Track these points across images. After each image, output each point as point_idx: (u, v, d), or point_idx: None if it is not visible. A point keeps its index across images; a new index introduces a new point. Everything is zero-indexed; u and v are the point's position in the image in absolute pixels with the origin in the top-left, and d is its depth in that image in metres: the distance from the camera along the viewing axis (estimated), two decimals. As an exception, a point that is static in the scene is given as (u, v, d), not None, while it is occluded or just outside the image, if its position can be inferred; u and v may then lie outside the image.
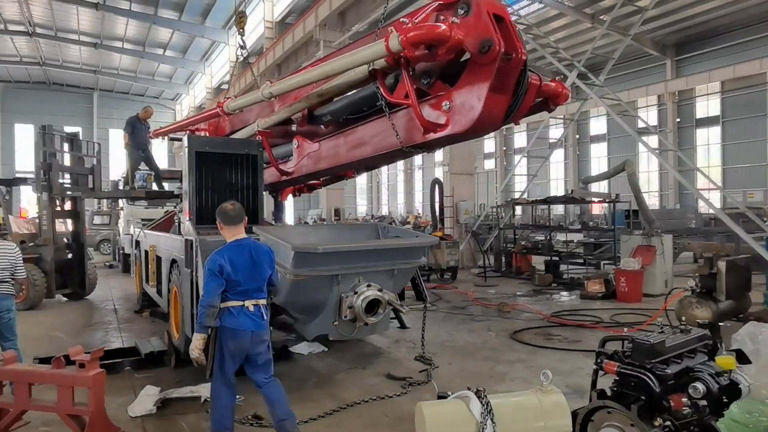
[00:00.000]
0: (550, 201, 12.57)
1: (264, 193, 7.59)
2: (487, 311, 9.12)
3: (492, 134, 41.58)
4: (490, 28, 4.60)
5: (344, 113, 6.51)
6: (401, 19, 5.00)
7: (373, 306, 4.89)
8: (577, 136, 33.24)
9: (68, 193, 10.31)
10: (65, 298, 10.61)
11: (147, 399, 4.88)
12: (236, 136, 7.86)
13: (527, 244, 12.97)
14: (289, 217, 29.66)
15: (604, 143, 32.06)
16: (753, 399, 4.06)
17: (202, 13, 29.04)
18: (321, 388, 5.26)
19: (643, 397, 2.91)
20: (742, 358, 3.34)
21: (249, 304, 3.67)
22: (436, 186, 14.56)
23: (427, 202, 15.42)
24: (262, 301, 3.77)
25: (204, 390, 5.02)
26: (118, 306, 10.06)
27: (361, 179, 51.86)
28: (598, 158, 32.29)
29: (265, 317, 3.76)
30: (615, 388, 3.06)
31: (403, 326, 7.89)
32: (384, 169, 48.79)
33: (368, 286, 4.90)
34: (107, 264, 17.15)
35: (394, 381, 5.43)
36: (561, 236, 14.58)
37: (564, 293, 10.82)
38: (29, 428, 4.42)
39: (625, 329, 3.97)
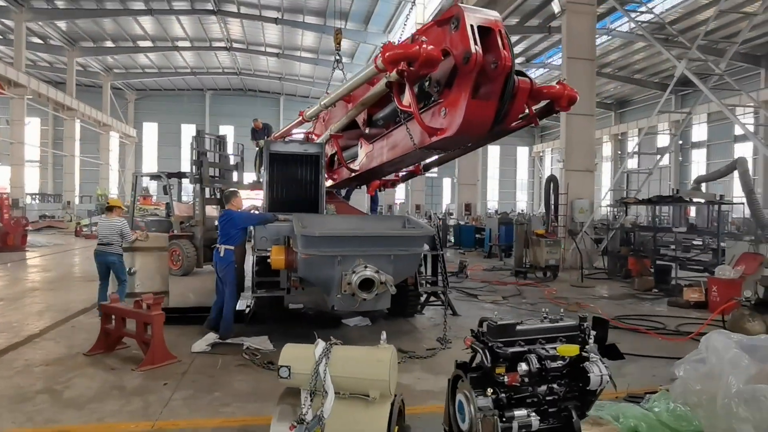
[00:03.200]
0: (656, 201, 11.65)
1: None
2: (553, 310, 9.17)
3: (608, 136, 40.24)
4: (469, 40, 5.11)
5: (391, 118, 7.39)
6: (389, 41, 5.71)
7: (366, 284, 5.74)
8: (681, 142, 33.75)
9: (216, 184, 12.74)
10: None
11: (205, 341, 6.43)
12: (320, 140, 9.20)
13: (635, 247, 12.23)
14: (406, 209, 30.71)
15: (703, 149, 33.98)
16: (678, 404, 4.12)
17: (364, 20, 31.56)
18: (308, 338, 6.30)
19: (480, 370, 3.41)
20: (612, 353, 3.55)
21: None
22: (551, 183, 14.38)
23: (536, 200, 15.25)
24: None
25: (246, 340, 6.48)
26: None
27: (494, 174, 51.37)
28: (698, 163, 34.25)
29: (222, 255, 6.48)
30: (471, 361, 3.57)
31: (454, 313, 8.52)
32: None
33: (365, 267, 5.77)
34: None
35: (399, 354, 6.21)
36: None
37: (656, 299, 10.17)
38: (130, 350, 6.20)
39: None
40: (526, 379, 3.31)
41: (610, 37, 25.05)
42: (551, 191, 14.29)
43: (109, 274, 7.73)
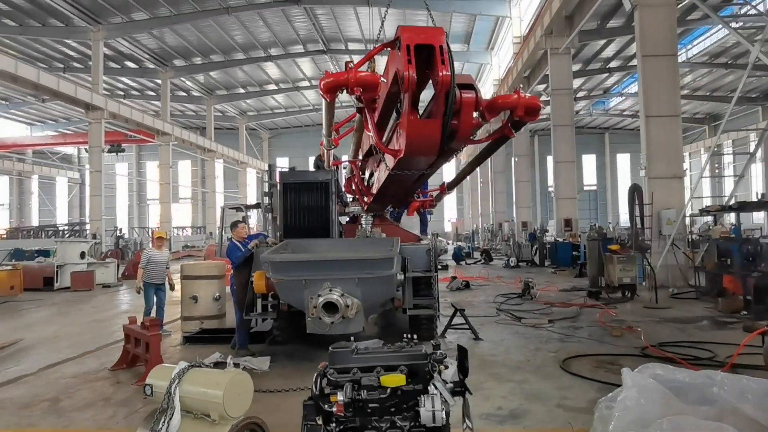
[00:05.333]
0: (742, 208, 9.86)
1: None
2: (597, 333, 8.35)
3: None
4: (404, 60, 5.11)
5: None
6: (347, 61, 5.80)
7: (330, 307, 5.84)
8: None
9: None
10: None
11: (209, 360, 6.98)
12: (344, 164, 9.52)
13: (724, 261, 10.50)
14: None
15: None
16: None
17: (464, 40, 31.56)
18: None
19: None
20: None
21: None
22: (634, 193, 13.05)
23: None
24: None
25: (248, 360, 6.93)
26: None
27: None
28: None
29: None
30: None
31: (476, 338, 8.16)
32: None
33: (330, 290, 5.88)
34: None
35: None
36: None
37: (740, 323, 8.68)
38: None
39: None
40: (350, 410, 3.21)
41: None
42: (635, 202, 12.93)
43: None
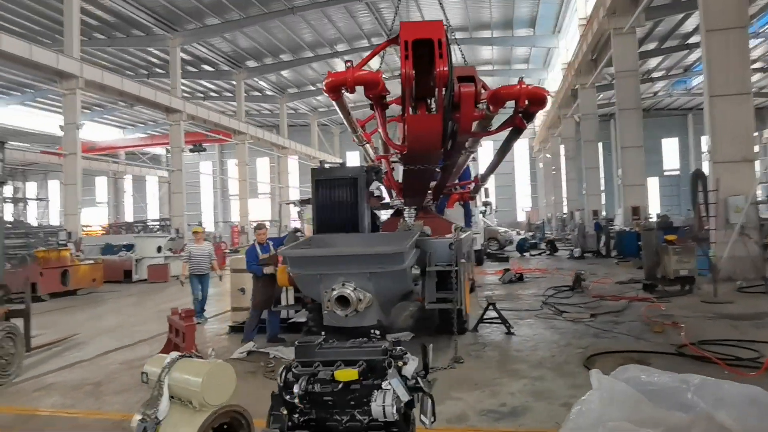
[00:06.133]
0: None
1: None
2: (637, 329, 7.96)
3: None
4: (401, 56, 5.19)
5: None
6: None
7: (342, 301, 6.01)
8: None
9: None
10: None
11: (243, 349, 7.42)
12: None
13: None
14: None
15: None
16: None
17: (529, 24, 30.53)
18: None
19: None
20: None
21: None
22: (698, 179, 12.15)
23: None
24: None
25: (278, 350, 7.29)
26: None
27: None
28: None
29: None
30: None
31: (509, 332, 8.05)
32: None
33: (343, 285, 6.05)
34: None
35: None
36: None
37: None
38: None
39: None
40: (306, 402, 3.36)
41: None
42: (698, 188, 12.02)
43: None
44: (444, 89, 5.15)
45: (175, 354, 4.02)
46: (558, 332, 8.05)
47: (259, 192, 52.05)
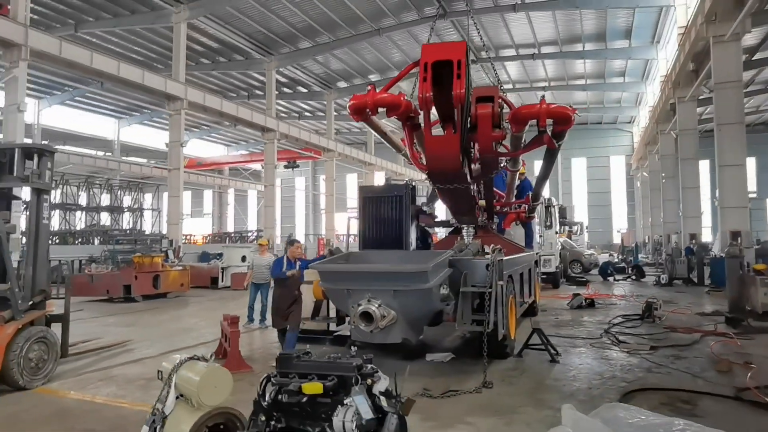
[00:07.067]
0: None
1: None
2: (700, 365, 7.31)
3: None
4: (420, 77, 5.36)
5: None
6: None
7: (366, 317, 6.17)
8: None
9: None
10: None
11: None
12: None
13: None
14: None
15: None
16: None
17: (625, 35, 29.07)
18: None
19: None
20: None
21: None
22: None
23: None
24: None
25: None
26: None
27: None
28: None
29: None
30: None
31: (553, 360, 7.73)
32: None
33: (369, 301, 6.22)
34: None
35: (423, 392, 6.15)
36: None
37: None
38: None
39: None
40: (275, 411, 3.56)
41: None
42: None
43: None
44: (462, 111, 5.20)
45: (185, 356, 4.41)
46: (607, 363, 7.60)
47: (348, 207, 53.66)
